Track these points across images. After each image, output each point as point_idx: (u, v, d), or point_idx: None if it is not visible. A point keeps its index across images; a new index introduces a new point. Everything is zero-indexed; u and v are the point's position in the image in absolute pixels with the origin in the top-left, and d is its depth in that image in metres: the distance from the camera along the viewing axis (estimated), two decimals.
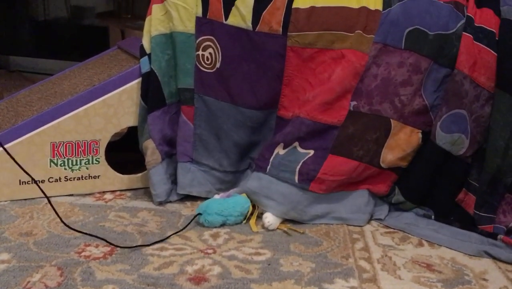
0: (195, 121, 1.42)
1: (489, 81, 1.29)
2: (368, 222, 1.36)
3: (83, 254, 1.15)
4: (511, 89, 1.27)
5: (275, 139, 1.38)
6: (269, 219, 1.30)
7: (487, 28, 1.31)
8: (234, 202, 1.32)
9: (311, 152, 1.34)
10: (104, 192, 1.48)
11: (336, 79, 1.33)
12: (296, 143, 1.35)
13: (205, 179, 1.43)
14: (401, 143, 1.34)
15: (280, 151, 1.36)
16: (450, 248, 1.25)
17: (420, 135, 1.34)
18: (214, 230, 1.29)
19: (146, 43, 1.44)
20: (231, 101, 1.40)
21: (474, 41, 1.30)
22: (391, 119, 1.33)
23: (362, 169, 1.34)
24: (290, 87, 1.37)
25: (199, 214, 1.30)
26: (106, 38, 2.85)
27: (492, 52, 1.29)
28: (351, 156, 1.33)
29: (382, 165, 1.35)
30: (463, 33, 1.30)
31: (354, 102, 1.33)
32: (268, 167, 1.35)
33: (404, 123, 1.33)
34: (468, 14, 1.32)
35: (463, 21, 1.31)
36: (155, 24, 1.43)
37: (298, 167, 1.33)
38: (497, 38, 1.30)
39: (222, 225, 1.30)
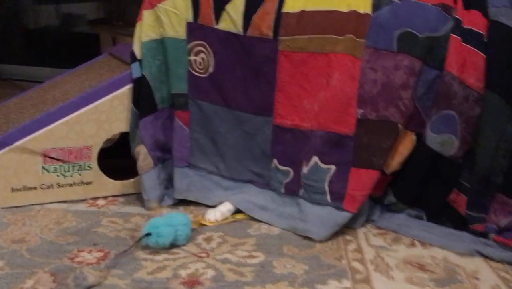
0: (191, 126, 1.43)
1: (478, 82, 1.30)
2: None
3: (76, 259, 1.15)
4: (500, 90, 1.29)
5: (300, 158, 1.35)
6: (215, 213, 1.33)
7: (475, 30, 1.32)
8: (175, 214, 1.26)
9: (333, 167, 1.32)
10: (96, 198, 1.48)
11: (337, 85, 1.32)
12: (316, 159, 1.33)
13: (202, 184, 1.43)
14: (400, 148, 1.33)
15: (304, 169, 1.34)
16: (442, 248, 1.26)
17: (414, 137, 1.35)
18: (207, 233, 1.30)
19: (137, 49, 1.44)
20: (225, 105, 1.40)
21: (462, 43, 1.31)
22: (398, 124, 1.31)
23: (378, 177, 1.32)
24: (284, 94, 1.36)
25: (148, 234, 1.20)
26: (97, 45, 2.85)
27: (480, 53, 1.30)
28: (373, 166, 1.31)
29: (386, 170, 1.34)
30: (451, 35, 1.31)
31: (361, 110, 1.32)
32: (300, 191, 1.35)
33: (404, 128, 1.33)
34: (456, 16, 1.33)
35: (451, 23, 1.32)
36: (145, 30, 1.43)
37: (327, 186, 1.32)
38: (485, 40, 1.31)
39: (173, 240, 1.21)
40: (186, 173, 1.43)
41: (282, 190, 1.38)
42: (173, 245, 1.21)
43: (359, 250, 1.24)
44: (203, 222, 1.34)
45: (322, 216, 1.30)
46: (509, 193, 1.29)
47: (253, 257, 1.19)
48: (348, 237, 1.30)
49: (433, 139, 1.33)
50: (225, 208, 1.38)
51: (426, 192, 1.38)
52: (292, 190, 1.37)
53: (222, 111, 1.40)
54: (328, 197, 1.31)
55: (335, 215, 1.30)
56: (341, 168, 1.31)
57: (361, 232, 1.34)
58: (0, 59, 3.03)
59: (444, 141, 1.33)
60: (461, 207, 1.34)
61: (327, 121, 1.32)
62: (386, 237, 1.32)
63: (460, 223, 1.33)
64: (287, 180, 1.37)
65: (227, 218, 1.36)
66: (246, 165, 1.43)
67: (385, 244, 1.28)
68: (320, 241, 1.27)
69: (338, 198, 1.31)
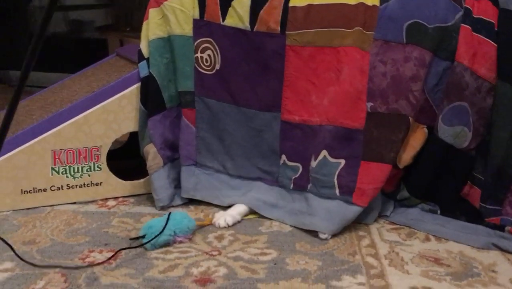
0: (197, 124, 1.42)
1: (490, 72, 1.28)
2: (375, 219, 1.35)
3: (87, 260, 1.14)
4: None
5: (308, 153, 1.34)
6: (225, 218, 1.31)
7: (486, 19, 1.30)
8: (176, 214, 1.25)
9: (342, 161, 1.31)
10: (106, 199, 1.47)
11: (346, 79, 1.31)
12: (325, 152, 1.31)
13: (210, 183, 1.42)
14: (412, 141, 1.32)
15: (312, 163, 1.33)
16: (458, 242, 1.24)
17: (426, 130, 1.33)
18: (219, 232, 1.28)
19: (144, 47, 1.44)
20: (233, 102, 1.39)
21: (473, 33, 1.29)
22: (409, 117, 1.29)
23: (389, 171, 1.30)
24: (292, 89, 1.35)
25: (144, 235, 1.19)
26: (105, 50, 2.86)
27: (492, 43, 1.28)
28: (383, 159, 1.29)
29: (399, 165, 1.32)
30: (462, 24, 1.29)
31: (370, 104, 1.30)
32: (308, 185, 1.33)
33: (415, 120, 1.31)
34: (466, 5, 1.31)
35: (461, 12, 1.30)
36: (152, 28, 1.43)
37: (336, 180, 1.30)
38: (496, 29, 1.29)
39: (172, 237, 1.20)
40: (193, 172, 1.42)
41: (291, 186, 1.37)
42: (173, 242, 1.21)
43: (372, 245, 1.22)
44: (207, 223, 1.32)
45: (330, 210, 1.28)
46: None
47: (265, 254, 1.17)
48: (361, 233, 1.29)
49: (446, 132, 1.31)
50: (236, 211, 1.35)
51: (440, 186, 1.36)
52: (300, 185, 1.35)
53: (230, 109, 1.39)
54: (337, 191, 1.29)
55: (344, 209, 1.28)
56: (351, 162, 1.30)
57: (374, 227, 1.32)
58: (10, 66, 3.05)
59: (456, 134, 1.31)
60: (475, 200, 1.32)
61: (336, 116, 1.30)
62: (400, 232, 1.30)
63: (474, 216, 1.31)
64: (296, 176, 1.36)
65: (238, 221, 1.34)
66: (254, 162, 1.42)
67: (399, 239, 1.26)
68: (326, 237, 1.25)
69: (347, 192, 1.29)
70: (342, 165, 1.30)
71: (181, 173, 1.42)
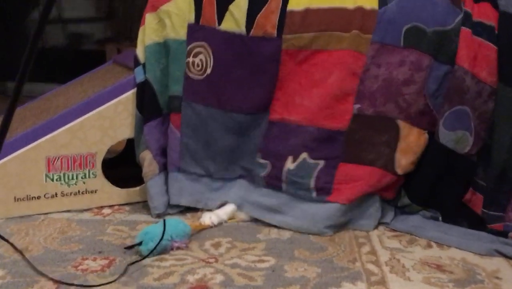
0: (181, 130, 1.39)
1: (491, 76, 1.27)
2: (375, 226, 1.32)
3: (80, 267, 1.11)
4: None
5: (280, 152, 1.33)
6: (211, 216, 1.31)
7: (486, 22, 1.29)
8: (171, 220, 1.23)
9: (321, 162, 1.30)
10: (102, 207, 1.44)
11: (333, 82, 1.31)
12: (305, 155, 1.31)
13: (193, 188, 1.39)
14: (412, 146, 1.30)
15: (290, 165, 1.32)
16: (460, 249, 1.21)
17: (427, 136, 1.31)
18: (216, 239, 1.25)
19: (140, 52, 1.42)
20: (221, 107, 1.36)
21: (473, 36, 1.28)
22: (398, 120, 1.29)
23: (379, 175, 1.30)
24: (283, 91, 1.34)
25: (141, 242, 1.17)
26: (103, 61, 2.85)
27: (492, 46, 1.27)
28: (362, 161, 1.29)
29: (397, 170, 1.30)
30: (462, 28, 1.28)
31: (358, 106, 1.30)
32: (283, 185, 1.32)
33: (412, 125, 1.30)
34: (465, 8, 1.30)
35: (460, 16, 1.29)
36: (148, 33, 1.41)
37: (313, 182, 1.30)
38: (496, 32, 1.28)
39: (169, 242, 1.18)
40: (177, 177, 1.39)
41: (263, 183, 1.35)
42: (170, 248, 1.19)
43: (373, 252, 1.19)
44: (202, 226, 1.30)
45: (306, 211, 1.28)
46: None
47: (263, 261, 1.15)
48: (361, 240, 1.26)
49: (447, 137, 1.29)
50: (222, 211, 1.34)
51: (441, 192, 1.34)
52: (273, 184, 1.33)
53: (217, 114, 1.37)
54: (314, 194, 1.30)
55: (320, 208, 1.28)
56: (330, 163, 1.30)
57: (374, 234, 1.29)
58: (7, 77, 3.03)
59: (458, 138, 1.28)
60: (477, 207, 1.29)
61: (319, 118, 1.30)
62: (401, 239, 1.27)
63: (477, 223, 1.28)
64: (264, 173, 1.34)
65: (225, 221, 1.33)
66: (238, 162, 1.40)
67: (400, 245, 1.23)
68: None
69: (323, 193, 1.29)
70: (320, 166, 1.30)
71: (168, 180, 1.39)
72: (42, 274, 1.07)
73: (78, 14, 3.20)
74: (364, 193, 1.30)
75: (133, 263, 1.12)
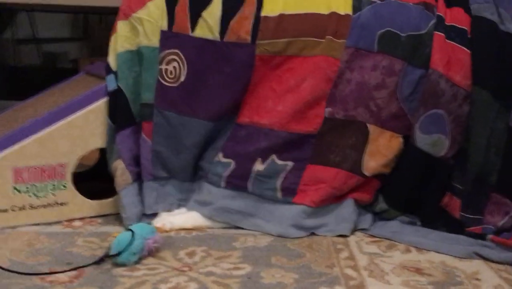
0: (153, 138, 1.36)
1: (465, 80, 1.27)
2: (352, 232, 1.30)
3: (47, 279, 1.06)
4: (488, 85, 1.25)
5: (248, 154, 1.32)
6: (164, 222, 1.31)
7: (459, 26, 1.30)
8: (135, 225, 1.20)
9: (290, 164, 1.31)
10: (72, 220, 1.39)
11: (308, 87, 1.30)
12: (274, 156, 1.31)
13: (165, 192, 1.37)
14: (381, 149, 1.30)
15: (258, 166, 1.31)
16: (439, 252, 1.20)
17: (401, 140, 1.31)
18: (190, 248, 1.22)
19: (112, 60, 1.39)
20: (193, 115, 1.34)
21: (446, 40, 1.28)
22: (367, 124, 1.30)
23: (345, 177, 1.30)
24: (254, 95, 1.33)
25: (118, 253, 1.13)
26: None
27: (465, 49, 1.28)
28: (328, 163, 1.30)
29: (365, 172, 1.31)
30: (435, 32, 1.29)
31: (329, 109, 1.30)
32: (249, 186, 1.31)
33: (383, 128, 1.30)
34: (438, 13, 1.31)
35: (434, 20, 1.30)
36: (120, 41, 1.38)
37: (279, 182, 1.30)
38: (469, 36, 1.29)
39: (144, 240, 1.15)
40: (152, 186, 1.36)
41: (222, 184, 1.32)
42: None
43: (351, 257, 1.17)
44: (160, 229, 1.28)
45: (273, 212, 1.29)
46: (504, 192, 1.24)
47: (239, 268, 1.11)
48: (339, 246, 1.23)
49: (423, 140, 1.28)
50: (176, 218, 1.33)
51: (419, 197, 1.33)
52: (236, 185, 1.32)
53: (189, 122, 1.34)
54: (279, 194, 1.30)
55: (286, 210, 1.28)
56: (298, 165, 1.30)
57: (352, 240, 1.27)
58: None
59: (434, 142, 1.28)
60: (455, 210, 1.29)
61: (291, 122, 1.30)
62: (380, 244, 1.25)
63: (455, 227, 1.27)
64: (227, 173, 1.32)
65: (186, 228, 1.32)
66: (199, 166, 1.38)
67: (379, 250, 1.21)
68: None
69: (289, 194, 1.29)
70: (288, 167, 1.30)
71: (143, 189, 1.36)
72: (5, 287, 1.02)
73: (53, 34, 3.17)
74: (329, 195, 1.30)
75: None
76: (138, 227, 1.18)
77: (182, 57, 1.34)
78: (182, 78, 1.34)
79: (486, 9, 1.29)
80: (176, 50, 1.35)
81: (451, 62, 1.27)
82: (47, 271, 1.09)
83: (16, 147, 1.32)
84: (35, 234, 1.30)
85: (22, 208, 1.34)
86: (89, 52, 3.12)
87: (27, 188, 1.34)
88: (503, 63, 1.26)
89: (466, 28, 1.29)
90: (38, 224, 1.36)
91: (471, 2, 1.32)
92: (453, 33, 1.29)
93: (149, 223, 1.29)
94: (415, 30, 1.29)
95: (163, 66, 1.35)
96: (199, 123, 1.34)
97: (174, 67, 1.35)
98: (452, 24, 1.30)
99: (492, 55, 1.26)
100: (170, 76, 1.35)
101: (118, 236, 1.16)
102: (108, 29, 1.42)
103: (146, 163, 1.36)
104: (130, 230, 1.16)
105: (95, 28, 3.19)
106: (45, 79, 3.04)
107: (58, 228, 1.34)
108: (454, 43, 1.28)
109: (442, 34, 1.28)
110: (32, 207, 1.35)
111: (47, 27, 3.14)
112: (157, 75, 1.35)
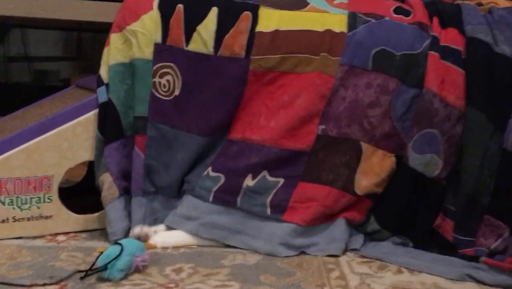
0: (146, 151, 1.34)
1: (459, 100, 1.27)
2: (344, 252, 1.28)
3: None
4: (482, 106, 1.25)
5: (239, 169, 1.30)
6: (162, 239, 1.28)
7: (453, 46, 1.30)
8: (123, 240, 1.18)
9: (281, 180, 1.29)
10: (56, 234, 1.36)
11: (301, 104, 1.29)
12: (265, 172, 1.29)
13: (153, 208, 1.34)
14: (374, 168, 1.29)
15: (249, 182, 1.29)
16: (431, 274, 1.17)
17: (393, 159, 1.29)
18: (177, 264, 1.18)
19: (103, 72, 1.37)
20: (187, 129, 1.33)
21: (441, 60, 1.28)
22: (361, 142, 1.28)
23: (337, 196, 1.28)
24: (246, 111, 1.32)
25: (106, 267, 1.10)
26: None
27: (460, 70, 1.27)
28: (320, 181, 1.28)
29: (357, 191, 1.29)
30: (430, 52, 1.28)
31: (322, 126, 1.28)
32: (238, 201, 1.28)
33: (376, 147, 1.28)
34: (433, 33, 1.31)
35: (428, 40, 1.30)
36: (113, 53, 1.37)
37: (269, 199, 1.28)
38: (463, 56, 1.29)
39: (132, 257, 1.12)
40: (141, 202, 1.33)
41: (210, 198, 1.30)
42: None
43: (342, 277, 1.14)
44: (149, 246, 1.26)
45: (262, 229, 1.26)
46: (497, 214, 1.23)
47: (227, 286, 1.08)
48: (330, 266, 1.20)
49: (416, 160, 1.27)
50: (170, 238, 1.29)
51: (411, 219, 1.31)
52: (224, 200, 1.29)
53: (183, 136, 1.32)
54: (268, 210, 1.27)
55: (275, 228, 1.26)
56: (289, 182, 1.28)
57: (344, 260, 1.24)
58: None
59: (427, 162, 1.27)
60: (447, 232, 1.27)
61: (283, 139, 1.28)
62: (371, 265, 1.22)
63: (448, 248, 1.25)
64: (216, 187, 1.29)
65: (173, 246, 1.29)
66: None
67: (370, 271, 1.18)
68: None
69: (277, 211, 1.27)
70: (279, 184, 1.28)
71: (132, 204, 1.33)
72: None
73: (45, 52, 3.16)
74: (320, 214, 1.27)
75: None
76: (128, 242, 1.14)
77: (177, 71, 1.33)
78: (177, 92, 1.33)
79: (480, 31, 1.30)
80: (171, 64, 1.34)
81: (445, 82, 1.27)
82: (28, 284, 1.06)
83: (1, 157, 1.29)
84: (17, 248, 1.26)
85: (5, 221, 1.31)
86: (81, 72, 3.10)
87: (11, 200, 1.31)
88: (497, 85, 1.26)
89: (460, 49, 1.29)
90: (21, 238, 1.32)
91: (466, 24, 1.32)
92: (447, 54, 1.29)
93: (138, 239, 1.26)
94: (409, 50, 1.29)
95: (157, 79, 1.33)
96: (193, 138, 1.33)
97: (168, 80, 1.33)
98: (446, 44, 1.30)
99: (486, 76, 1.26)
100: (163, 89, 1.33)
101: (106, 249, 1.12)
102: (102, 49, 1.41)
103: (137, 177, 1.33)
104: (119, 244, 1.12)
105: (88, 47, 3.18)
106: (36, 97, 3.03)
107: (42, 242, 1.31)
108: (448, 63, 1.28)
109: (437, 54, 1.28)
110: (15, 219, 1.32)
111: (40, 45, 3.13)
112: (150, 88, 1.33)
